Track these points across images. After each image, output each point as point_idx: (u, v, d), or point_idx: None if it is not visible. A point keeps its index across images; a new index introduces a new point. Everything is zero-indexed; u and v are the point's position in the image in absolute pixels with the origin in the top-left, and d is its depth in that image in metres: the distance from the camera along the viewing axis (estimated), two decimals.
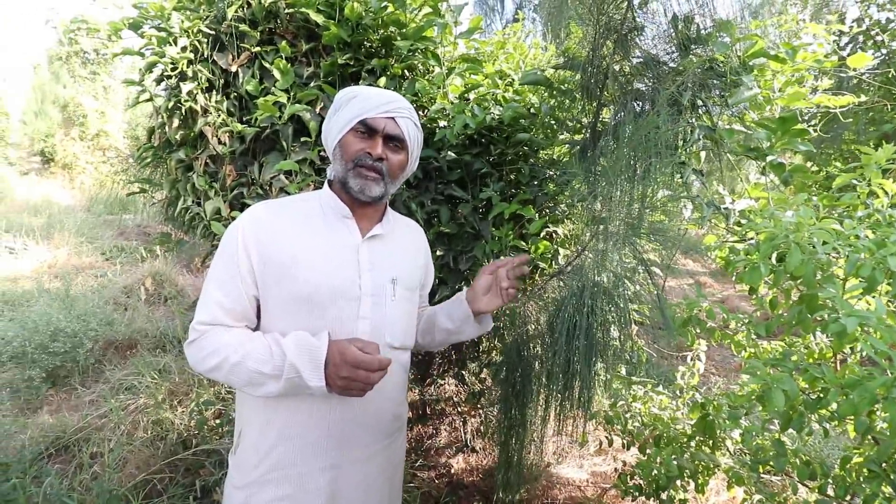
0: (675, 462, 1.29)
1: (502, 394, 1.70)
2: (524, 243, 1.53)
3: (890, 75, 2.71)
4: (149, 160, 1.76)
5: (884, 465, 0.99)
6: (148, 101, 1.59)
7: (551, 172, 1.64)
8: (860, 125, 2.76)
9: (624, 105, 1.21)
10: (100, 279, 4.62)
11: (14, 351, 2.80)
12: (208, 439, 2.01)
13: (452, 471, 2.00)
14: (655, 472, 1.37)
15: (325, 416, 0.90)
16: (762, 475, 1.36)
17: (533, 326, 1.46)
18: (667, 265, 1.20)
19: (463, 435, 2.16)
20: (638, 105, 1.27)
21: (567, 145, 1.54)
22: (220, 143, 1.51)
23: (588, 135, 1.42)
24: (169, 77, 1.52)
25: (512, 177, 1.69)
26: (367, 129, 0.91)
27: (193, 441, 2.00)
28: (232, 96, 1.55)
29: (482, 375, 2.05)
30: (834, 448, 2.15)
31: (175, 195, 1.71)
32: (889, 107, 2.66)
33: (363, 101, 0.91)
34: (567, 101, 1.52)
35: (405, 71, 1.64)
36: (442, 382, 2.34)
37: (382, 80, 1.50)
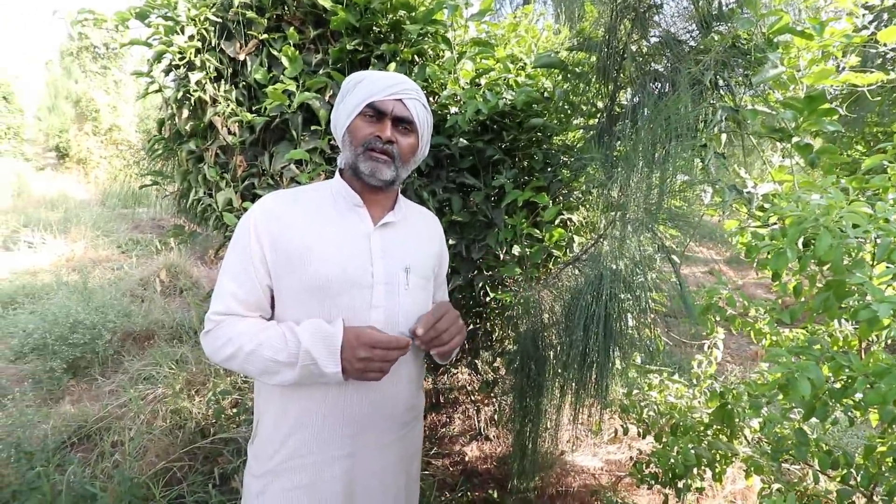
0: (692, 451, 1.27)
1: (517, 383, 1.69)
2: (538, 231, 1.50)
3: None
4: (160, 152, 1.77)
5: None
6: (157, 91, 1.58)
7: (565, 158, 1.61)
8: (884, 105, 2.66)
9: (643, 87, 1.17)
10: (116, 272, 4.69)
11: (35, 343, 2.86)
12: (226, 428, 2.03)
13: (466, 458, 2.01)
14: (672, 460, 1.35)
15: (340, 405, 0.89)
16: (782, 464, 1.34)
17: (548, 315, 1.44)
18: (682, 252, 1.17)
19: (476, 423, 2.16)
20: (656, 86, 1.23)
21: (582, 130, 1.50)
22: (229, 133, 1.50)
23: (604, 119, 1.39)
24: (177, 67, 1.51)
25: (525, 163, 1.66)
26: (375, 113, 0.90)
27: (211, 430, 2.03)
28: (241, 85, 1.53)
29: (495, 364, 2.04)
30: (853, 437, 2.11)
31: (187, 187, 1.71)
32: None
33: (370, 85, 0.90)
34: (581, 84, 1.48)
35: (415, 56, 1.61)
36: (455, 371, 2.34)
37: (392, 66, 1.47)
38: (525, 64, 1.79)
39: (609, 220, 1.27)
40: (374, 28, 1.56)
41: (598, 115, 1.52)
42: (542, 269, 1.61)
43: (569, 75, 1.43)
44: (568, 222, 1.61)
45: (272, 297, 0.92)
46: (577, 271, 1.39)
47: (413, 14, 1.49)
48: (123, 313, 3.50)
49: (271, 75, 1.50)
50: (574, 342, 1.40)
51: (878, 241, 0.79)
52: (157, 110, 1.78)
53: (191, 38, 1.45)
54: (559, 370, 1.47)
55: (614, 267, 1.18)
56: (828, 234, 0.77)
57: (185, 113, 1.52)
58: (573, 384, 1.46)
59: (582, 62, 1.45)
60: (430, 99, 1.65)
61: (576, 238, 1.56)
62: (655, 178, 1.19)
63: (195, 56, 1.48)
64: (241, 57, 1.49)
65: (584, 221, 1.58)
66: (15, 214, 6.71)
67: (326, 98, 1.52)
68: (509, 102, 1.46)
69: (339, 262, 0.88)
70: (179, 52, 1.45)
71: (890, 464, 1.06)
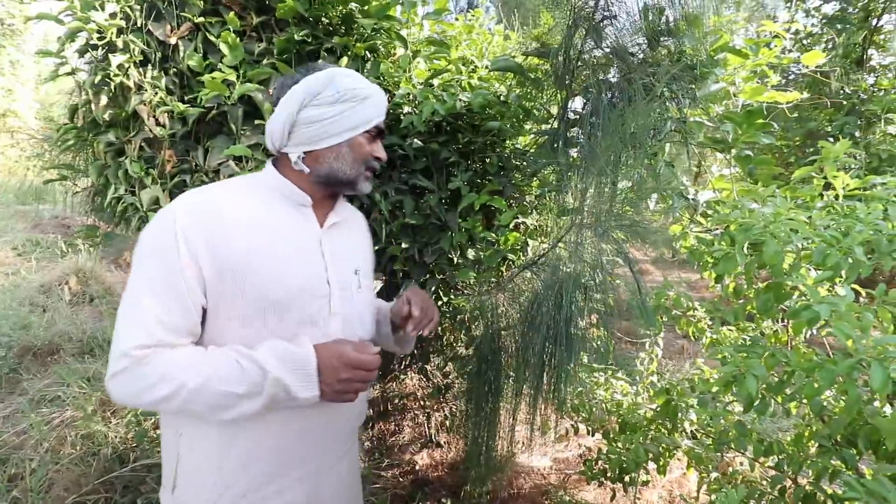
0: (640, 448, 1.32)
1: (470, 387, 1.67)
2: (493, 235, 1.50)
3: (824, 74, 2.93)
4: (71, 143, 1.55)
5: (834, 441, 1.06)
6: (69, 74, 1.39)
7: (518, 162, 1.62)
8: (789, 122, 2.98)
9: (598, 94, 1.19)
10: (11, 277, 4.11)
11: None
12: (149, 452, 1.83)
13: (417, 467, 1.96)
14: (621, 457, 1.40)
15: (298, 425, 0.82)
16: (719, 454, 1.43)
17: (504, 318, 1.44)
18: (627, 256, 1.21)
19: (427, 430, 2.12)
20: (609, 95, 1.27)
21: (535, 135, 1.52)
22: (157, 124, 1.34)
23: (558, 124, 1.41)
24: (95, 48, 1.33)
25: (479, 166, 1.65)
26: (376, 132, 0.91)
27: (131, 455, 1.82)
28: (171, 72, 1.38)
29: (446, 369, 2.01)
30: (773, 426, 2.32)
31: (104, 183, 1.51)
32: (814, 105, 2.89)
33: (379, 104, 0.88)
34: (535, 89, 1.50)
35: (367, 52, 1.54)
36: (403, 377, 2.29)
37: (344, 61, 1.40)
38: (476, 67, 1.78)
39: (565, 225, 1.29)
40: (324, 19, 1.47)
41: (552, 121, 1.54)
42: (497, 273, 1.61)
43: (524, 80, 1.44)
44: (522, 226, 1.62)
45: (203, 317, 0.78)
46: (532, 275, 1.39)
47: (366, 7, 1.43)
48: (20, 325, 3.06)
49: (207, 63, 1.37)
50: (529, 345, 1.40)
51: (814, 247, 0.86)
52: (69, 96, 1.56)
53: (112, 15, 1.29)
54: (514, 373, 1.47)
55: (570, 270, 1.20)
56: (773, 240, 0.82)
57: (104, 100, 1.34)
58: (528, 387, 1.46)
59: (536, 68, 1.47)
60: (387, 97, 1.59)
61: (529, 242, 1.57)
62: (608, 184, 1.23)
63: (117, 36, 1.31)
64: (173, 41, 1.35)
65: (538, 225, 1.60)
66: None
67: (270, 90, 1.41)
68: (465, 104, 1.44)
69: (294, 271, 0.80)
70: (98, 31, 1.28)
71: (816, 449, 1.16)
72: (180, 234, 0.72)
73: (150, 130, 1.36)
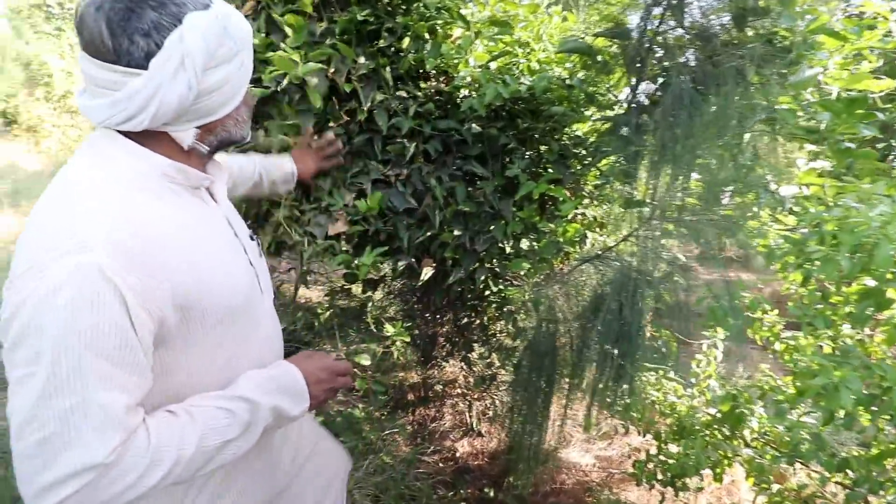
0: (701, 454, 1.26)
1: (516, 379, 1.64)
2: (551, 225, 1.45)
3: None
4: None
5: None
6: None
7: (578, 151, 1.55)
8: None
9: (677, 77, 1.12)
10: None
11: None
12: None
13: (458, 454, 1.97)
14: (678, 461, 1.34)
15: (273, 442, 0.85)
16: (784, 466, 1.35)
17: (558, 312, 1.39)
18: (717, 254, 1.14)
19: (468, 418, 2.12)
20: (688, 79, 1.19)
21: (601, 121, 1.45)
22: None
23: (630, 110, 1.33)
24: None
25: (536, 154, 1.59)
26: None
27: None
28: None
29: (490, 360, 1.99)
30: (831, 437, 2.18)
31: None
32: None
33: (251, 40, 0.69)
34: (601, 73, 1.42)
35: (426, 32, 1.50)
36: (444, 365, 2.28)
37: (406, 42, 1.37)
38: (534, 49, 1.72)
39: (630, 217, 1.23)
40: None
41: (618, 106, 1.47)
42: (551, 266, 1.56)
43: (591, 62, 1.37)
44: (581, 217, 1.56)
45: None
46: (593, 269, 1.34)
47: None
48: None
49: (269, 42, 1.36)
50: (586, 342, 1.36)
51: None
52: None
53: None
54: (566, 369, 1.43)
55: (638, 266, 1.14)
56: (887, 243, 0.75)
57: None
58: (579, 384, 1.42)
59: (603, 50, 1.39)
60: (441, 79, 1.56)
61: (588, 234, 1.51)
62: (683, 175, 1.16)
63: None
64: None
65: (598, 217, 1.54)
66: None
67: (329, 72, 1.40)
68: (529, 87, 1.38)
69: (234, 268, 0.72)
70: None
71: None
72: (122, 295, 0.55)
73: None
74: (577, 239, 1.45)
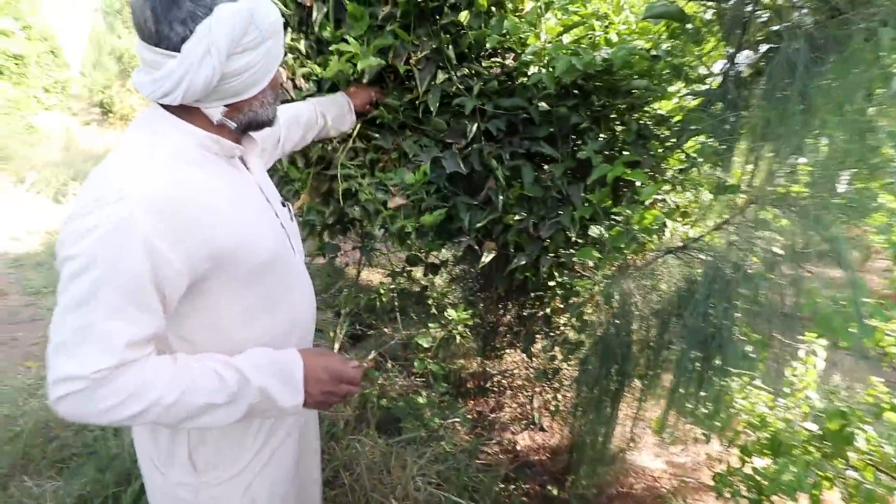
0: (802, 474, 1.12)
1: (582, 374, 1.56)
2: (626, 211, 1.32)
3: None
4: None
5: None
6: None
7: (662, 130, 1.40)
8: None
9: (788, 44, 0.95)
10: None
11: None
12: None
13: (518, 448, 1.92)
14: (773, 479, 1.20)
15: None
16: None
17: (632, 307, 1.28)
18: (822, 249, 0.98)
19: (529, 411, 2.06)
20: (804, 45, 1.01)
21: (692, 96, 1.29)
22: (294, 86, 1.37)
23: (726, 83, 1.17)
24: None
25: (611, 134, 1.46)
26: None
27: None
28: (310, 36, 1.39)
29: (553, 353, 1.91)
30: None
31: None
32: None
33: (282, 24, 0.76)
34: (692, 42, 1.25)
35: (492, 6, 1.41)
36: (504, 354, 2.23)
37: (464, 14, 1.29)
38: (612, 21, 1.56)
39: (719, 205, 1.09)
40: None
41: (710, 80, 1.30)
42: (623, 256, 1.44)
43: (681, 30, 1.21)
44: (660, 204, 1.42)
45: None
46: (675, 262, 1.21)
47: None
48: None
49: (339, 32, 1.34)
50: (665, 341, 1.24)
51: None
52: None
53: None
54: (642, 370, 1.33)
55: (733, 260, 1.01)
56: None
57: None
58: (657, 387, 1.31)
59: (696, 15, 1.22)
60: (508, 56, 1.46)
61: (668, 222, 1.37)
62: (790, 156, 0.99)
63: None
64: (308, 3, 1.34)
65: (681, 205, 1.39)
66: (64, 167, 6.90)
67: (389, 58, 1.35)
68: (605, 60, 1.25)
69: (266, 230, 0.80)
70: None
71: None
72: (149, 242, 0.63)
73: (288, 93, 1.39)
74: (656, 228, 1.31)
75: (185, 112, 0.74)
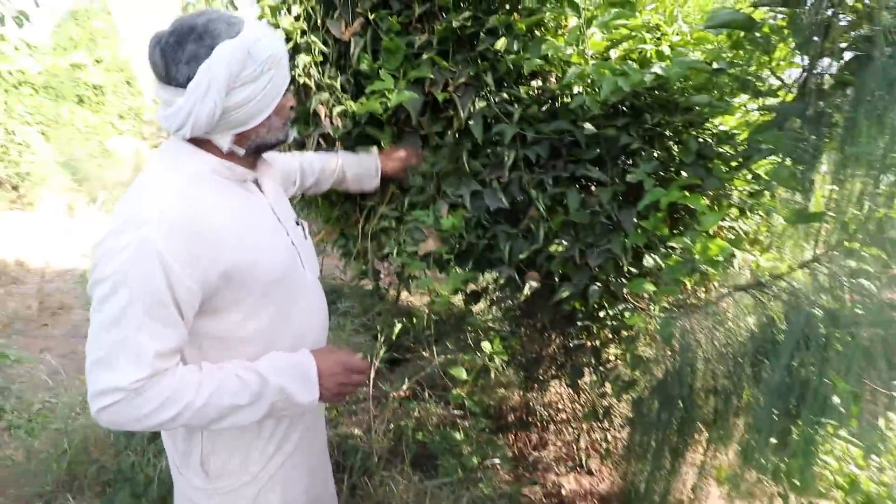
0: None
1: (638, 417, 1.41)
2: (685, 240, 1.19)
3: None
4: None
5: None
6: None
7: (726, 148, 1.27)
8: None
9: (882, 50, 0.82)
10: None
11: None
12: None
13: (564, 492, 1.77)
14: None
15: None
16: None
17: (697, 347, 1.14)
18: None
19: (575, 451, 1.91)
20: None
21: (762, 111, 1.15)
22: (331, 123, 1.36)
23: (803, 95, 1.04)
24: None
25: (666, 154, 1.34)
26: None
27: None
28: (348, 70, 1.39)
29: (603, 388, 1.76)
30: None
31: None
32: None
33: (285, 55, 0.81)
34: (762, 51, 1.13)
35: (532, 27, 1.35)
36: (548, 386, 2.10)
37: (502, 42, 1.23)
38: (665, 33, 1.46)
39: (813, 235, 0.94)
40: None
41: (782, 92, 1.16)
42: (681, 290, 1.30)
43: (749, 39, 1.09)
44: (726, 231, 1.28)
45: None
46: (748, 300, 1.07)
47: None
48: None
49: (377, 64, 1.33)
50: (736, 389, 1.09)
51: None
52: None
53: (297, 17, 1.33)
54: (708, 416, 1.17)
55: (821, 301, 0.86)
56: None
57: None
58: (726, 435, 1.16)
59: (766, 22, 1.10)
60: (551, 79, 1.39)
61: (737, 253, 1.22)
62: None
63: (301, 38, 1.35)
64: (347, 37, 1.34)
65: (751, 233, 1.24)
66: None
67: (426, 88, 1.31)
68: (655, 77, 1.15)
69: (277, 250, 0.85)
70: (286, 35, 1.34)
71: None
72: (165, 262, 0.69)
73: (326, 128, 1.40)
74: (721, 259, 1.17)
75: (200, 142, 0.81)
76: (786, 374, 0.93)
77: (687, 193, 1.16)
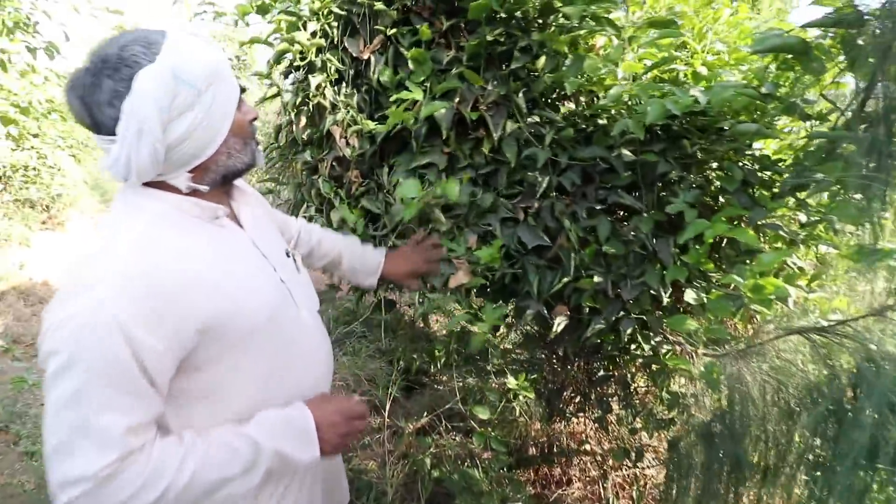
0: None
1: (676, 461, 1.31)
2: (737, 277, 1.10)
3: None
4: (276, 160, 1.66)
5: None
6: (275, 96, 1.45)
7: (772, 176, 1.19)
8: None
9: None
10: None
11: None
12: None
13: None
14: None
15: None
16: None
17: (749, 395, 1.04)
18: None
19: (602, 490, 1.80)
20: None
21: (816, 137, 1.07)
22: (347, 144, 1.31)
23: (857, 120, 0.96)
24: (297, 68, 1.36)
25: (704, 181, 1.26)
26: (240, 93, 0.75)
27: None
28: (363, 89, 1.34)
29: (634, 424, 1.66)
30: None
31: (300, 199, 1.57)
32: None
33: (224, 60, 0.70)
34: (813, 74, 1.05)
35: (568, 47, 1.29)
36: (571, 419, 1.99)
37: (542, 60, 1.17)
38: (696, 51, 1.39)
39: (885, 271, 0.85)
40: (518, 14, 1.27)
41: (834, 116, 1.08)
42: (729, 327, 1.21)
43: (801, 61, 1.02)
44: (777, 266, 1.18)
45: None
46: (806, 345, 0.97)
47: None
48: None
49: (398, 77, 1.28)
50: (791, 442, 0.99)
51: None
52: (276, 116, 1.68)
53: (313, 34, 1.29)
54: (758, 468, 1.07)
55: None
56: None
57: (303, 120, 1.37)
58: (781, 491, 1.05)
59: (817, 44, 1.02)
60: (587, 100, 1.32)
61: (792, 290, 1.13)
62: None
63: (316, 56, 1.31)
64: (366, 55, 1.30)
65: (805, 269, 1.14)
66: None
67: (454, 103, 1.26)
68: (704, 101, 1.07)
69: (261, 290, 0.75)
70: (300, 53, 1.30)
71: None
72: (124, 328, 0.59)
73: (341, 150, 1.34)
74: (773, 298, 1.08)
75: (159, 185, 0.71)
76: (842, 425, 0.84)
77: (740, 228, 1.08)
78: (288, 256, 0.88)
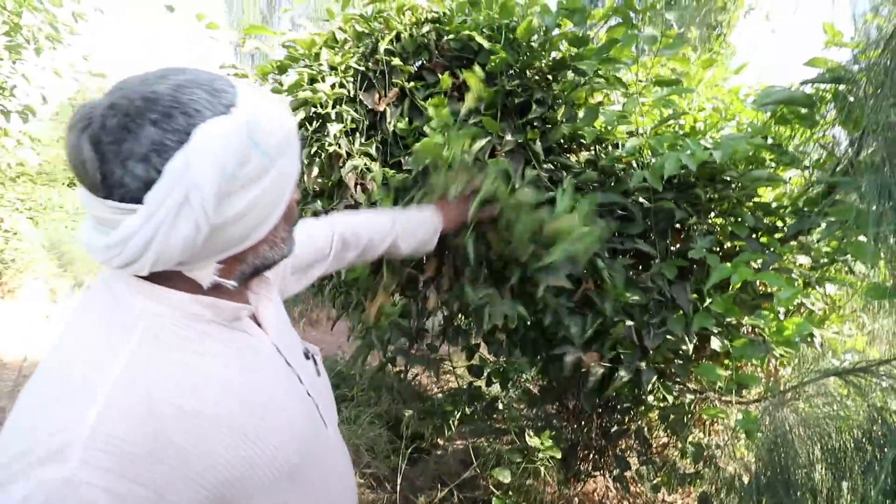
0: None
1: None
2: (761, 323, 1.11)
3: None
4: None
5: None
6: None
7: (775, 220, 1.24)
8: None
9: None
10: None
11: None
12: None
13: None
14: None
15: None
16: None
17: (794, 441, 1.02)
18: None
19: None
20: None
21: (818, 184, 1.14)
22: (363, 190, 1.29)
23: (850, 169, 1.02)
24: (311, 121, 1.36)
25: (717, 226, 1.30)
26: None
27: None
28: (378, 139, 1.35)
29: (656, 481, 1.58)
30: None
31: None
32: None
33: (297, 133, 0.53)
34: (808, 125, 1.13)
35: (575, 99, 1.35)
36: (590, 478, 1.89)
37: (561, 111, 1.22)
38: (701, 107, 1.49)
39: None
40: (532, 68, 1.33)
41: (827, 166, 1.15)
42: (768, 370, 1.20)
43: (802, 114, 1.10)
44: (794, 308, 1.21)
45: None
46: (845, 385, 0.97)
47: (580, 49, 1.24)
48: None
49: (413, 126, 1.30)
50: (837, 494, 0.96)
51: None
52: None
53: (332, 87, 1.30)
54: None
55: None
56: None
57: (315, 170, 1.35)
58: None
59: (821, 97, 1.11)
60: (598, 149, 1.37)
61: (816, 331, 1.14)
62: None
63: (332, 107, 1.32)
64: (381, 108, 1.31)
65: (825, 311, 1.17)
66: None
67: (472, 149, 1.28)
68: (718, 155, 1.13)
69: (291, 413, 0.57)
70: (319, 103, 1.30)
71: None
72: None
73: (353, 197, 1.32)
74: (798, 340, 1.08)
75: (159, 275, 0.49)
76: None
77: (765, 272, 1.10)
78: (307, 358, 0.69)
